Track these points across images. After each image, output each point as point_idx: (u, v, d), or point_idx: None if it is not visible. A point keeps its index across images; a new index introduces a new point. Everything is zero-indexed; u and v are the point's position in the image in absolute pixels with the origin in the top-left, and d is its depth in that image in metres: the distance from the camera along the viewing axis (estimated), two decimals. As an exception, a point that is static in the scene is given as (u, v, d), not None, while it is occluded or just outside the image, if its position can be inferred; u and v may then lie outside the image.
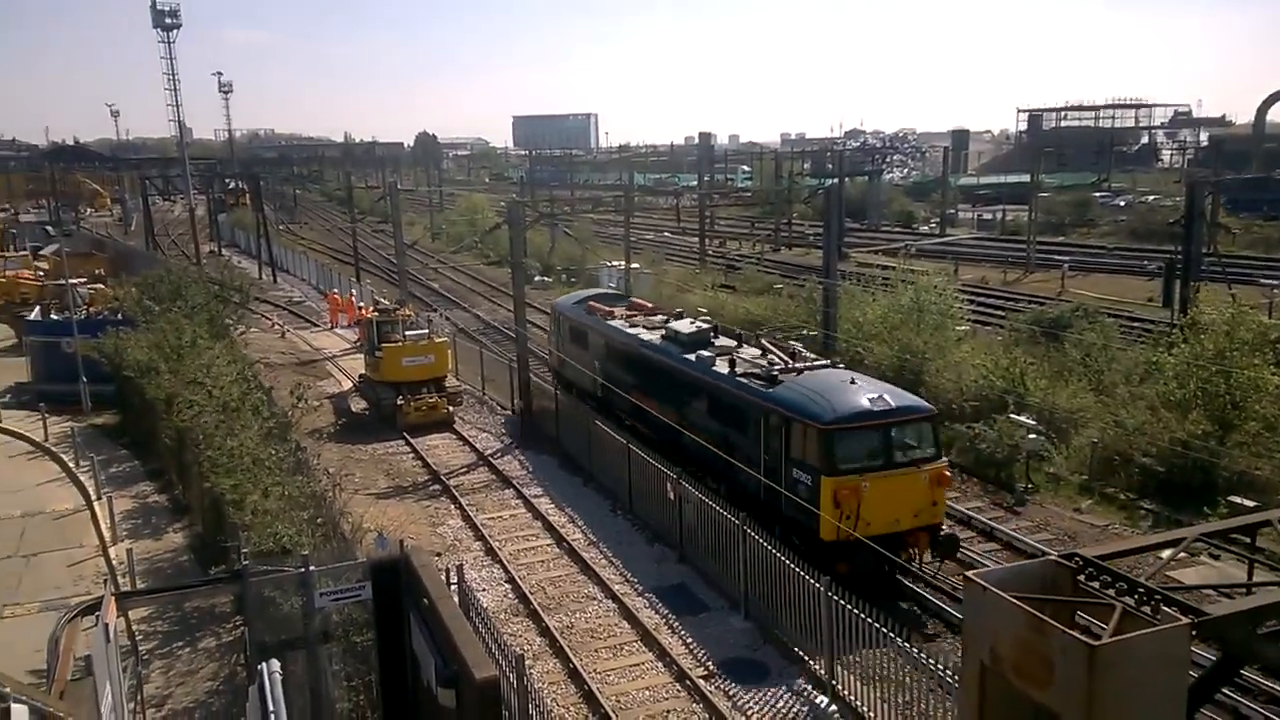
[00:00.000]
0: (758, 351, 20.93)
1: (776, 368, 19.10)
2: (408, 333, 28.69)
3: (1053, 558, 7.00)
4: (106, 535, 19.03)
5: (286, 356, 36.03)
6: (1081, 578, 6.69)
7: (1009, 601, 5.95)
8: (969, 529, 19.49)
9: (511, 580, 17.47)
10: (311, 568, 11.48)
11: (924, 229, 75.93)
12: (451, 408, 27.71)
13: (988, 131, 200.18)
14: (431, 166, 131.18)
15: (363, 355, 31.17)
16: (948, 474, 17.36)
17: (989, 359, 25.77)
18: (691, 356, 21.05)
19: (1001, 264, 53.82)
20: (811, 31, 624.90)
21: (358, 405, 29.63)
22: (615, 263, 49.38)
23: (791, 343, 22.63)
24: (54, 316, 33.78)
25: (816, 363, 19.99)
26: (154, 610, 15.50)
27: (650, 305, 27.73)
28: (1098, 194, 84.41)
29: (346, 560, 12.50)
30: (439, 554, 18.11)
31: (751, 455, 18.08)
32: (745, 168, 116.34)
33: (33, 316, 34.84)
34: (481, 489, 22.43)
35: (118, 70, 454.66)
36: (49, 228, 70.71)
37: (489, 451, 24.94)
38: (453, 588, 12.54)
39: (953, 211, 79.09)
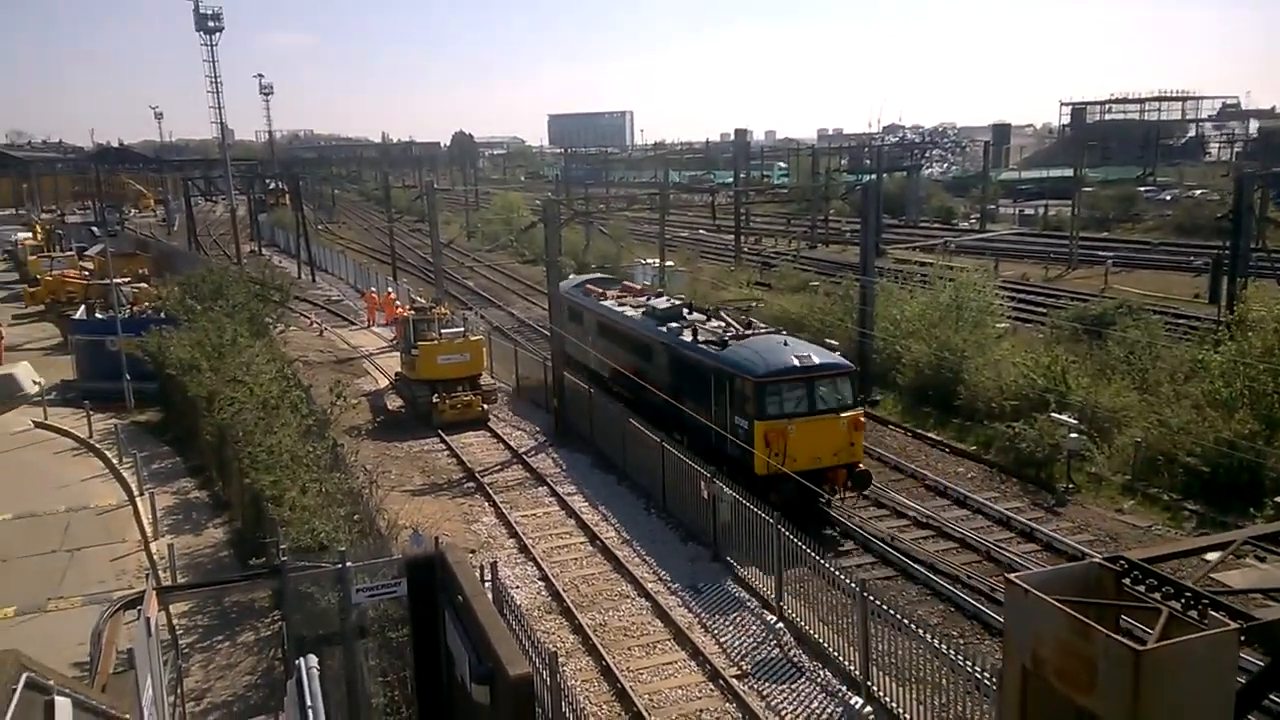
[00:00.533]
0: (720, 323, 23.70)
1: (728, 334, 22.30)
2: (443, 331, 28.87)
3: (1096, 560, 6.83)
4: (148, 530, 19.34)
5: (324, 355, 36.43)
6: (1126, 581, 6.52)
7: (1051, 604, 5.81)
8: (1008, 529, 19.21)
9: (545, 578, 17.50)
10: (348, 564, 11.57)
11: (964, 225, 74.98)
12: (486, 405, 27.83)
13: (1030, 125, 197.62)
14: (467, 165, 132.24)
15: (399, 353, 31.41)
16: (862, 420, 20.72)
17: (1030, 357, 25.36)
18: (664, 328, 24.27)
19: (1043, 260, 52.97)
20: (849, 26, 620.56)
21: (394, 403, 29.87)
22: (650, 260, 49.34)
23: (748, 316, 25.19)
24: (99, 315, 34.44)
25: (762, 330, 23.20)
26: (194, 604, 15.72)
27: (638, 287, 30.99)
28: (1143, 188, 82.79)
29: (382, 557, 12.59)
30: (473, 551, 18.19)
31: (706, 407, 21.17)
32: (781, 164, 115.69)
33: (78, 315, 35.58)
34: (515, 486, 22.50)
35: (161, 73, 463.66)
36: (94, 228, 72.33)
37: (523, 449, 25.01)
38: (487, 585, 12.57)
39: (993, 207, 78.00)
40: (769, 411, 19.50)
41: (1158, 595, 6.30)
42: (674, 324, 24.29)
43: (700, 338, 22.55)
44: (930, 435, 25.17)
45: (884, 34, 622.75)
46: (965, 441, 24.43)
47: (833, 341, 26.59)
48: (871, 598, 12.85)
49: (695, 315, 24.95)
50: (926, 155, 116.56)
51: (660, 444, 20.42)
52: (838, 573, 14.02)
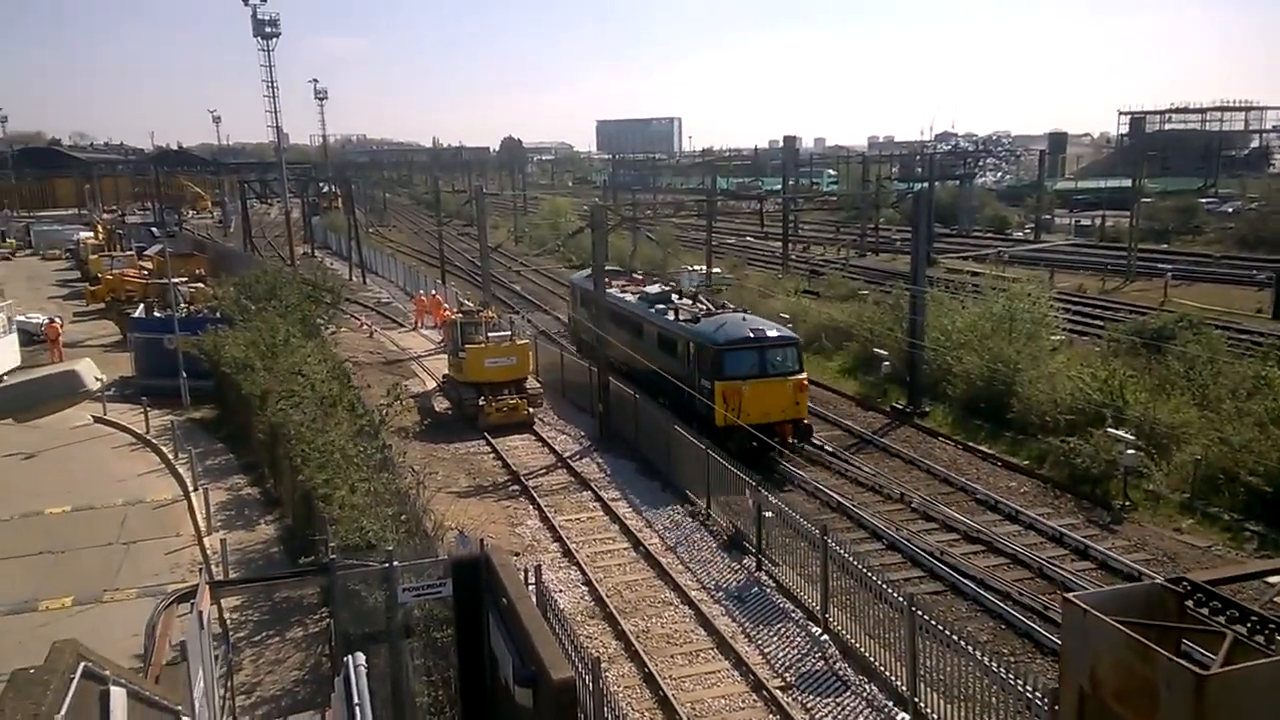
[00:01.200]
0: (698, 305, 28.28)
1: (701, 313, 26.80)
2: (490, 334, 29.08)
3: (1157, 581, 6.66)
4: (202, 525, 19.73)
5: (374, 356, 36.91)
6: (1189, 603, 6.35)
7: (1112, 626, 5.66)
8: (1061, 546, 18.80)
9: (588, 582, 17.50)
10: (395, 563, 11.68)
11: (1018, 235, 73.78)
12: (532, 409, 27.97)
13: (1087, 134, 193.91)
14: (516, 170, 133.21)
15: (447, 356, 31.70)
16: (806, 383, 24.46)
17: (1086, 370, 24.81)
18: (653, 309, 28.59)
19: (1100, 272, 51.89)
20: (902, 33, 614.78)
21: (441, 405, 30.14)
22: (696, 267, 49.27)
23: (721, 298, 30.35)
24: (157, 314, 35.27)
25: (729, 309, 27.69)
26: (245, 599, 16.00)
27: (640, 277, 35.12)
28: (1204, 200, 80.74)
29: (428, 557, 12.69)
30: (517, 554, 18.27)
31: (681, 373, 24.96)
32: (831, 171, 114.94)
33: (137, 314, 36.48)
34: (560, 490, 22.56)
35: (220, 77, 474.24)
36: (154, 229, 74.17)
37: (568, 453, 25.08)
38: (531, 588, 12.59)
39: (1049, 217, 76.65)
40: (727, 373, 23.63)
41: (1222, 619, 6.12)
42: (661, 306, 28.58)
43: (680, 316, 27.00)
44: (981, 448, 24.75)
45: (938, 41, 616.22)
46: (1018, 456, 23.97)
47: (785, 316, 32.02)
48: (920, 612, 12.64)
49: (681, 300, 29.17)
50: (980, 164, 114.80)
51: (706, 451, 20.35)
52: (885, 586, 13.83)
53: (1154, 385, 24.41)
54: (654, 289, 31.40)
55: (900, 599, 13.14)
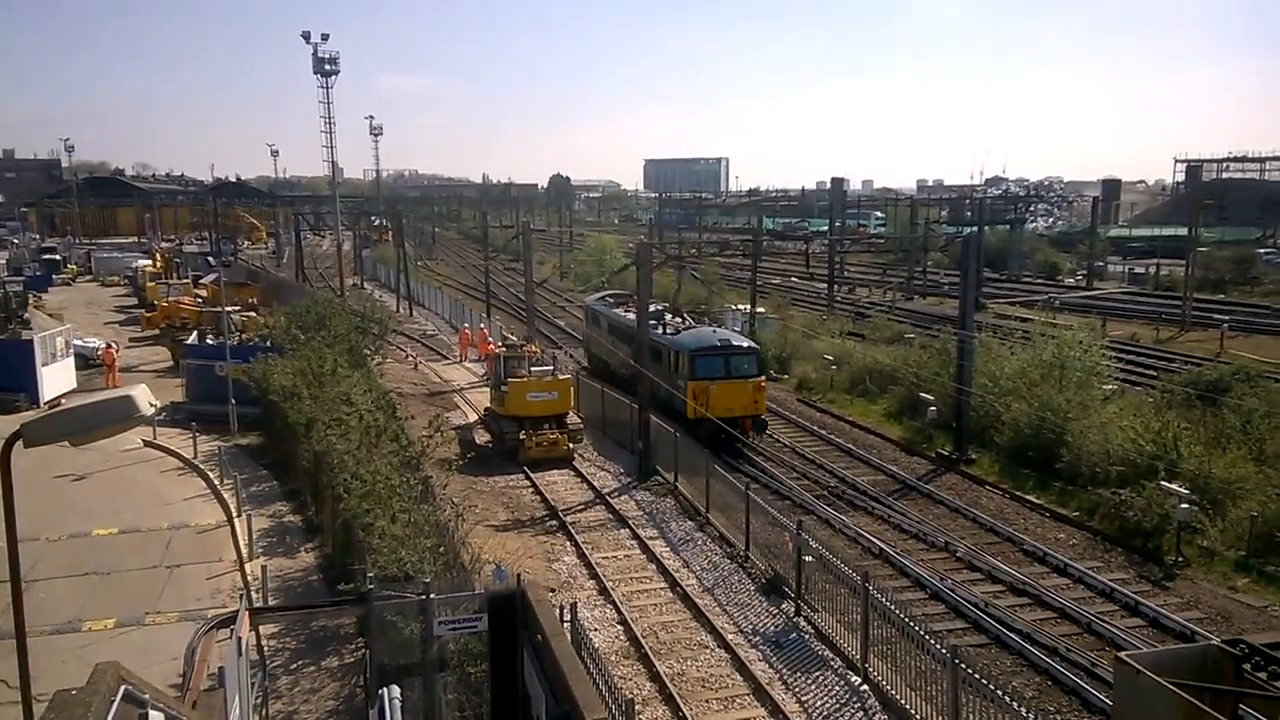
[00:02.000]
0: (680, 320, 33.42)
1: (683, 326, 32.24)
2: (533, 369, 29.23)
3: (1214, 642, 6.40)
4: (244, 551, 19.91)
5: (418, 387, 37.26)
6: (1246, 666, 6.09)
7: (1166, 688, 5.45)
8: (1111, 602, 18.26)
9: (623, 622, 17.33)
10: (432, 595, 11.68)
11: (1069, 281, 72.75)
12: (572, 445, 27.98)
13: (1141, 182, 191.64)
14: (563, 207, 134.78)
15: (489, 389, 31.91)
16: (763, 384, 29.47)
17: (1139, 421, 24.23)
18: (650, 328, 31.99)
19: (1154, 321, 50.92)
20: (953, 75, 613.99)
21: (482, 437, 30.29)
22: (741, 306, 49.21)
23: (701, 316, 37.75)
24: (209, 341, 36.03)
25: (704, 325, 33.66)
26: (283, 626, 16.07)
27: (652, 305, 38.34)
28: (1262, 250, 79.14)
29: (465, 590, 12.66)
30: (553, 590, 18.16)
31: (664, 376, 28.34)
32: (879, 214, 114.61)
33: (190, 341, 37.30)
34: (597, 527, 22.47)
35: (280, 112, 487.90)
36: (210, 258, 75.98)
37: (606, 490, 25.01)
38: (565, 625, 12.50)
39: (1101, 264, 75.57)
40: (698, 375, 28.30)
41: (1284, 685, 5.86)
42: (652, 322, 31.24)
43: (665, 330, 31.39)
44: (1029, 498, 24.22)
45: (988, 85, 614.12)
46: (1067, 507, 23.41)
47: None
48: (963, 665, 12.32)
49: (670, 318, 33.50)
50: (1031, 209, 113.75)
51: (745, 491, 20.17)
52: (928, 636, 13.50)
53: (1209, 438, 23.77)
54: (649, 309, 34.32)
55: (943, 650, 12.81)
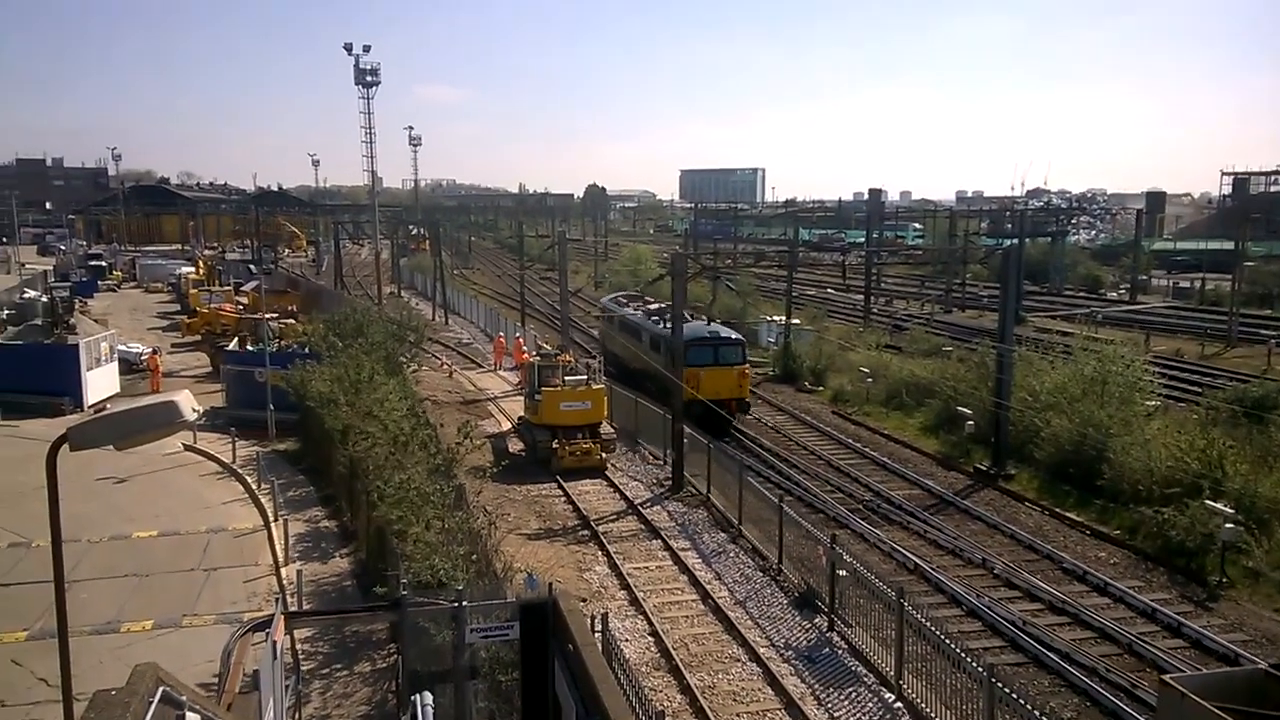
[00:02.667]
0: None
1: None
2: (567, 378, 29.29)
3: (1261, 666, 6.23)
4: (280, 556, 20.13)
5: (452, 395, 37.50)
6: (1298, 693, 5.91)
7: (1211, 711, 5.30)
8: (1153, 622, 17.87)
9: (654, 633, 17.25)
10: (464, 603, 11.70)
11: (1112, 295, 71.60)
12: (605, 454, 27.97)
13: (1186, 194, 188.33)
14: (599, 217, 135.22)
15: (523, 397, 32.02)
16: (748, 371, 33.83)
17: (1183, 438, 23.72)
18: (649, 320, 37.57)
19: (1199, 336, 49.85)
20: (993, 86, 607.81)
21: (515, 446, 30.38)
22: (775, 318, 49.01)
23: (698, 312, 39.62)
24: (249, 348, 36.55)
25: (698, 318, 36.39)
26: (316, 631, 16.19)
27: (653, 301, 41.89)
28: (1311, 264, 77.21)
29: (497, 598, 12.67)
30: (584, 600, 18.13)
31: (663, 364, 30.48)
32: (917, 225, 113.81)
33: (231, 347, 37.88)
34: (629, 538, 22.42)
35: (322, 122, 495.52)
36: (251, 266, 77.27)
37: (639, 500, 24.96)
38: (596, 635, 12.46)
39: (1145, 278, 74.26)
40: (691, 362, 29.84)
41: (1337, 713, 5.67)
42: (655, 317, 36.71)
43: (664, 323, 33.33)
44: (1069, 515, 23.80)
45: (1030, 96, 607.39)
46: (1108, 524, 22.97)
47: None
48: (1000, 684, 12.10)
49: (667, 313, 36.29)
50: (1073, 221, 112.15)
51: (779, 504, 20.02)
52: (964, 654, 13.29)
53: (1255, 456, 23.22)
54: (651, 306, 40.51)
55: (979, 669, 12.60)
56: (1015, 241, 55.22)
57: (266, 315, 39.69)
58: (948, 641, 13.67)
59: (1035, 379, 29.26)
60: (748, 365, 33.98)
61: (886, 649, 15.39)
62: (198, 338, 48.65)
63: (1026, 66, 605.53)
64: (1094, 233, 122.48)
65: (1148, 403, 27.75)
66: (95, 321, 52.72)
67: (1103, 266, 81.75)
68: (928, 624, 14.21)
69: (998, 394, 27.17)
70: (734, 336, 34.64)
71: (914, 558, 20.82)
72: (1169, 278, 77.23)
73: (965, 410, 30.13)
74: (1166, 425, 26.00)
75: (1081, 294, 71.67)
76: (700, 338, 32.73)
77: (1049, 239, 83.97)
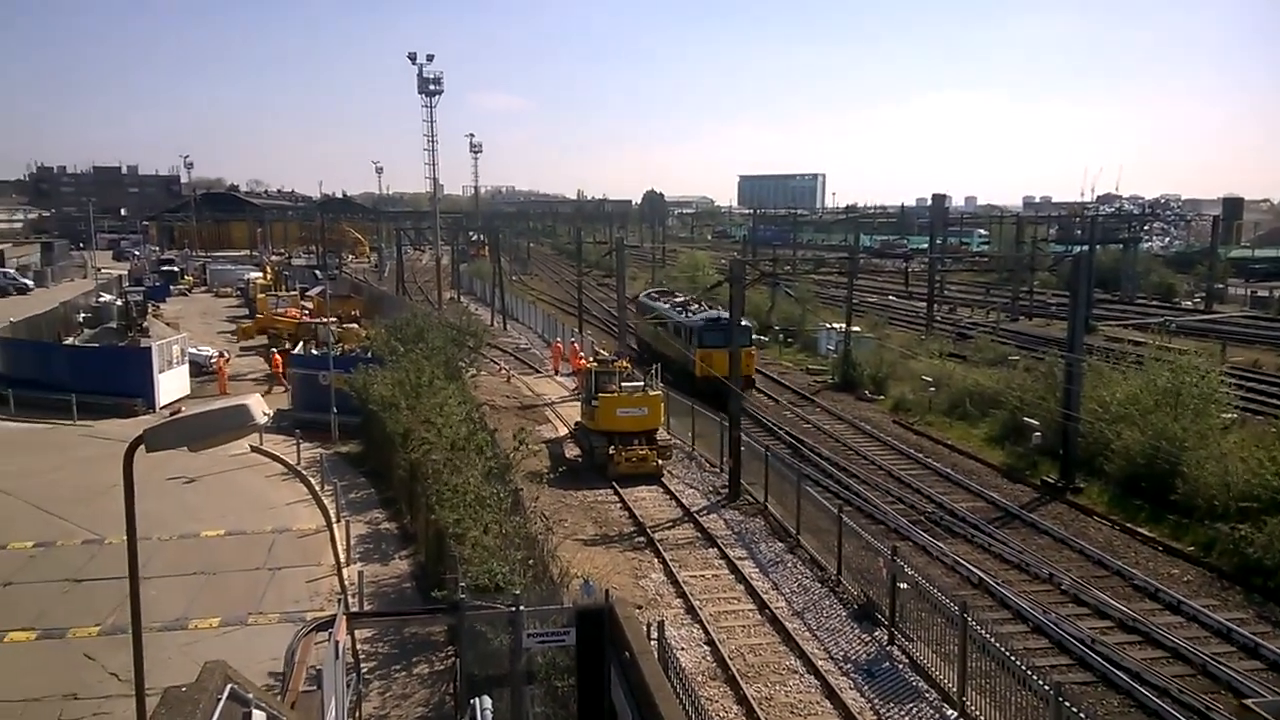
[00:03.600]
0: (697, 305, 42.98)
1: (696, 310, 41.23)
2: (624, 384, 29.29)
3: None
4: (342, 556, 20.46)
5: (510, 400, 37.79)
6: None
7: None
8: (1228, 642, 17.21)
9: (711, 642, 17.12)
10: (521, 607, 11.74)
11: (1186, 304, 69.42)
12: (661, 461, 27.91)
13: (1265, 200, 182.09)
14: (657, 223, 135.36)
15: (580, 403, 32.12)
16: (754, 352, 39.01)
17: (1261, 452, 22.82)
18: (673, 310, 42.96)
19: (1279, 347, 48.06)
20: (1062, 89, 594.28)
21: (571, 451, 30.48)
22: (836, 325, 48.45)
23: (714, 303, 42.36)
24: (314, 352, 37.31)
25: (718, 308, 39.30)
26: (376, 632, 16.40)
27: (681, 295, 48.68)
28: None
29: (553, 604, 12.70)
30: (640, 607, 18.05)
31: (683, 347, 37.82)
32: (982, 231, 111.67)
33: (296, 351, 38.72)
34: (685, 545, 22.31)
35: (386, 129, 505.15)
36: (317, 271, 78.92)
37: (695, 508, 24.83)
38: (653, 643, 12.40)
39: (1221, 286, 71.85)
40: (705, 344, 36.13)
41: None
42: (680, 308, 42.66)
43: (685, 312, 41.13)
44: (1141, 531, 23.06)
45: (1100, 99, 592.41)
46: (1181, 541, 22.20)
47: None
48: (1067, 703, 11.74)
49: (694, 305, 42.98)
50: (1146, 228, 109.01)
51: (838, 514, 19.74)
52: (1029, 671, 12.92)
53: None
54: (677, 298, 46.46)
55: (1046, 687, 12.24)
56: (1085, 248, 53.88)
57: (327, 319, 40.58)
58: (1013, 658, 13.32)
59: (1106, 390, 28.41)
60: (754, 347, 39.33)
61: (949, 664, 15.06)
62: (265, 341, 49.82)
63: (1096, 68, 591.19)
64: (1168, 239, 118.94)
65: (1224, 415, 26.73)
66: (167, 325, 54.42)
67: (1177, 274, 79.22)
68: (992, 639, 13.86)
69: (1066, 405, 26.45)
70: (743, 323, 36.97)
71: (978, 571, 20.35)
72: (1246, 286, 74.71)
73: (1032, 421, 29.40)
74: (1244, 439, 25.05)
75: (1154, 302, 69.55)
76: (712, 321, 37.40)
77: (1120, 246, 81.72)
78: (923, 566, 19.87)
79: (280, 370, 39.78)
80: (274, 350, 43.18)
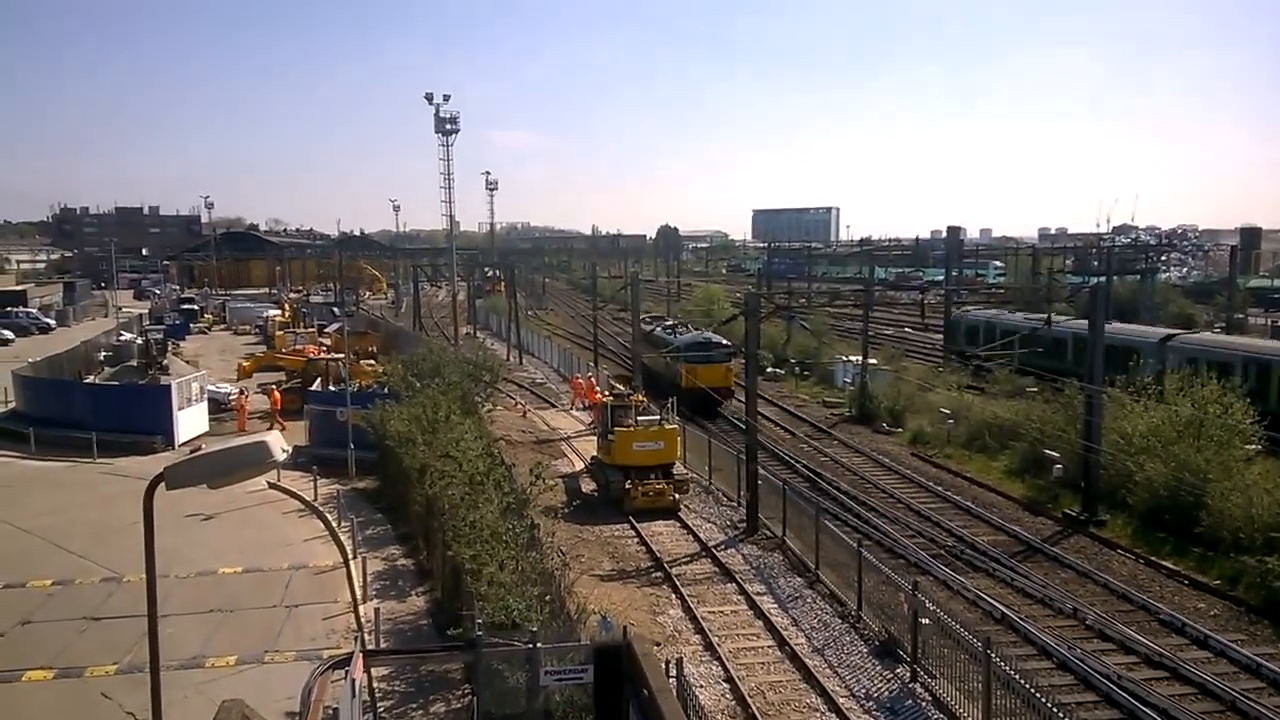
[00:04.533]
0: (685, 329, 50.38)
1: (684, 332, 48.12)
2: (640, 418, 29.24)
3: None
4: (358, 593, 20.37)
5: (526, 435, 37.77)
6: None
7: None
8: (1257, 678, 16.87)
9: (730, 679, 16.90)
10: (539, 644, 11.64)
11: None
12: (678, 495, 27.76)
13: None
14: (671, 257, 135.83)
15: (596, 437, 32.06)
16: (730, 367, 43.21)
17: (1287, 484, 22.51)
18: (665, 334, 48.98)
19: (1300, 377, 47.42)
20: (1074, 121, 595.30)
21: (588, 486, 30.39)
22: (852, 358, 48.31)
23: (701, 326, 52.77)
24: (331, 388, 37.45)
25: (703, 331, 48.67)
26: (392, 669, 16.27)
27: (669, 320, 57.01)
28: None
29: (570, 640, 12.59)
30: (658, 644, 17.88)
31: (672, 363, 43.10)
32: (998, 263, 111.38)
33: (314, 387, 38.87)
34: (703, 580, 22.12)
35: (402, 166, 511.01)
36: (334, 308, 79.54)
37: (713, 543, 24.65)
38: (671, 681, 12.25)
39: (1241, 317, 71.22)
40: (690, 360, 42.31)
41: None
42: (671, 331, 49.12)
43: (674, 334, 47.74)
44: (1165, 564, 22.71)
45: (1113, 130, 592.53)
46: (1207, 574, 21.85)
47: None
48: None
49: (681, 329, 50.06)
50: (1163, 258, 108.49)
51: (858, 549, 19.54)
52: (1055, 709, 12.67)
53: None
54: (668, 323, 54.57)
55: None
56: (1102, 279, 53.63)
57: (336, 356, 40.75)
58: (1038, 695, 13.07)
59: (1127, 421, 28.13)
60: (731, 363, 43.78)
61: (973, 702, 14.79)
62: (295, 379, 49.92)
63: (1109, 99, 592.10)
64: (1185, 270, 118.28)
65: (1248, 447, 26.43)
66: (187, 363, 54.77)
67: (1195, 305, 78.69)
68: (1016, 676, 13.62)
69: (1087, 437, 26.21)
70: (724, 342, 44.87)
71: (1001, 606, 20.07)
72: (1266, 316, 74.07)
73: (1052, 453, 29.12)
74: (1269, 470, 24.73)
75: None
76: (697, 343, 44.72)
77: (1138, 276, 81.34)
78: (944, 601, 19.62)
79: (278, 408, 39.68)
80: (273, 387, 43.06)
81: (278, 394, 41.12)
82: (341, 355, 45.61)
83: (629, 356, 50.39)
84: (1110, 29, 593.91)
